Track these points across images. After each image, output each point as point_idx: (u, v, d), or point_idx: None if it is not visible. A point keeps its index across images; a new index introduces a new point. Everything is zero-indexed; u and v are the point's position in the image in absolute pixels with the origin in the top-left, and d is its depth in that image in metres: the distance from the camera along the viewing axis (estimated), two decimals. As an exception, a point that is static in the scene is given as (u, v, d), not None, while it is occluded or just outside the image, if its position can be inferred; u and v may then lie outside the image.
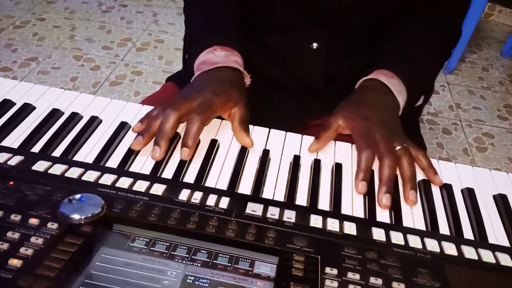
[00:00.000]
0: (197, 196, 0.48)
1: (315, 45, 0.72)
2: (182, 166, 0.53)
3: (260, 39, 0.76)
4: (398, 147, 0.56)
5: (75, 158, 0.53)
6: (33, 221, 0.41)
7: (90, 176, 0.48)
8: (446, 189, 0.55)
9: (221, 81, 0.60)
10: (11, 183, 0.46)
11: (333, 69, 0.71)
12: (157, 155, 0.52)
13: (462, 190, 0.55)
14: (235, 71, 0.63)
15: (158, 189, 0.48)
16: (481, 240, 0.48)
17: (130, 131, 0.58)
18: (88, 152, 0.54)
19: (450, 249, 0.45)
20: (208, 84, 0.59)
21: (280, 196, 0.51)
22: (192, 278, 0.39)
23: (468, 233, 0.49)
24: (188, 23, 0.75)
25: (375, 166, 0.57)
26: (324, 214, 0.48)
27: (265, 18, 0.73)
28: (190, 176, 0.52)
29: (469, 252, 0.45)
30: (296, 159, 0.56)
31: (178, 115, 0.54)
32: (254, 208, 0.47)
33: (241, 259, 0.41)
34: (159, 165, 0.53)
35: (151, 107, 0.63)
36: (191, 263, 0.40)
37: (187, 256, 0.41)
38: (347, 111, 0.62)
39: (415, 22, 0.72)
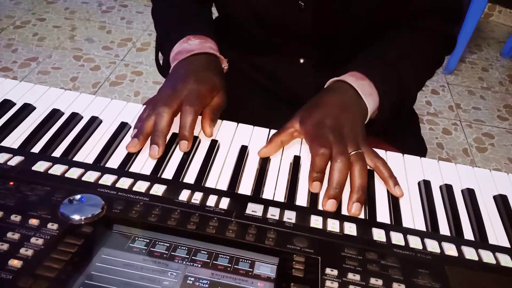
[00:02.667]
0: (197, 196, 0.47)
1: (301, 60, 0.72)
2: (182, 166, 0.53)
3: (249, 59, 0.77)
4: (352, 152, 0.53)
5: (75, 159, 0.53)
6: (33, 221, 0.41)
7: (90, 176, 0.48)
8: (447, 189, 0.54)
9: (202, 68, 0.61)
10: (11, 183, 0.46)
11: (322, 81, 0.71)
12: (155, 154, 0.53)
13: (462, 191, 0.55)
14: (212, 56, 0.64)
15: (158, 189, 0.48)
16: (481, 240, 0.48)
17: (130, 132, 0.58)
18: (88, 153, 0.54)
19: (450, 249, 0.45)
20: (189, 73, 0.59)
21: (280, 197, 0.51)
22: (192, 279, 0.39)
23: (468, 234, 0.49)
24: (158, 23, 0.75)
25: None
26: (325, 215, 0.48)
27: (249, 43, 0.74)
28: (190, 177, 0.52)
29: (470, 253, 0.45)
30: (296, 160, 0.56)
31: (170, 111, 0.55)
32: (254, 209, 0.47)
33: (241, 259, 0.41)
34: (159, 166, 0.53)
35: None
36: (191, 263, 0.40)
37: (187, 256, 0.41)
38: (303, 115, 0.58)
39: (402, 28, 0.69)
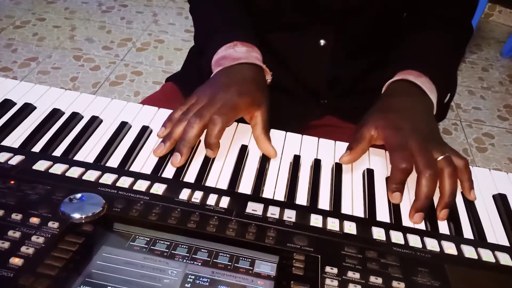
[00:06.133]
0: (198, 195, 0.48)
1: (322, 41, 0.70)
2: (183, 166, 0.53)
3: (264, 38, 0.76)
4: (439, 158, 0.52)
5: (75, 158, 0.53)
6: (34, 220, 0.42)
7: (91, 175, 0.48)
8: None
9: (246, 80, 0.59)
10: (12, 182, 0.46)
11: (336, 71, 0.70)
12: (177, 162, 0.52)
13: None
14: (258, 68, 0.62)
15: (158, 188, 0.48)
16: (480, 239, 0.48)
17: (131, 131, 0.58)
18: (88, 152, 0.54)
19: (450, 248, 0.46)
20: (233, 84, 0.57)
21: (280, 196, 0.51)
22: (193, 277, 0.39)
23: (467, 233, 0.49)
24: (199, 21, 0.73)
25: (374, 163, 0.57)
26: (324, 214, 0.48)
27: (271, 18, 0.73)
28: (190, 176, 0.52)
29: (469, 252, 0.45)
30: (296, 159, 0.56)
31: (202, 124, 0.54)
32: (254, 208, 0.47)
33: (241, 258, 0.42)
34: (159, 165, 0.53)
35: (152, 107, 0.63)
36: (192, 262, 0.41)
37: (188, 255, 0.41)
38: (377, 119, 0.57)
39: (427, 22, 0.71)
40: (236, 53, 0.62)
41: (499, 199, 0.54)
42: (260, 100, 0.58)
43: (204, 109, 0.55)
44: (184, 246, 0.42)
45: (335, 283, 0.40)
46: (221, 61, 0.62)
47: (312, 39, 0.71)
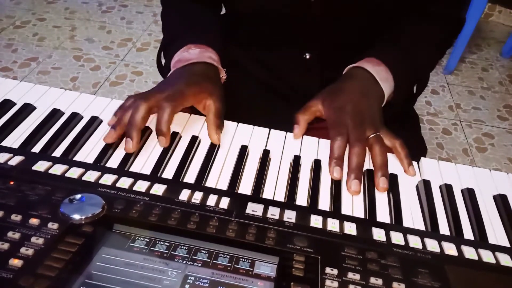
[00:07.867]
0: (198, 196, 0.48)
1: (307, 55, 0.72)
2: (183, 166, 0.53)
3: (254, 54, 0.77)
4: (370, 136, 0.57)
5: (75, 158, 0.53)
6: (34, 221, 0.42)
7: (91, 176, 0.48)
8: (446, 189, 0.55)
9: (195, 74, 0.61)
10: (12, 183, 0.46)
11: (330, 75, 0.71)
12: (130, 147, 0.53)
13: (462, 191, 0.55)
14: (210, 65, 0.64)
15: (158, 189, 0.48)
16: (481, 240, 0.48)
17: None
18: (88, 152, 0.54)
19: (450, 249, 0.45)
20: (181, 77, 0.60)
21: (280, 196, 0.51)
22: (193, 278, 0.39)
23: (468, 234, 0.49)
24: (165, 27, 0.76)
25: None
26: (324, 214, 0.48)
27: (255, 38, 0.74)
28: (190, 176, 0.52)
29: (469, 252, 0.45)
30: (296, 159, 0.56)
31: (147, 106, 0.55)
32: (254, 208, 0.47)
33: (241, 259, 0.41)
34: (159, 165, 0.53)
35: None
36: (192, 263, 0.40)
37: (188, 256, 0.41)
38: (325, 98, 0.62)
39: (413, 15, 0.71)
40: (189, 55, 0.64)
41: (500, 200, 0.54)
42: (210, 89, 0.60)
43: (150, 95, 0.57)
44: (184, 247, 0.42)
45: (335, 284, 0.40)
46: (176, 64, 0.64)
47: (297, 54, 0.73)
